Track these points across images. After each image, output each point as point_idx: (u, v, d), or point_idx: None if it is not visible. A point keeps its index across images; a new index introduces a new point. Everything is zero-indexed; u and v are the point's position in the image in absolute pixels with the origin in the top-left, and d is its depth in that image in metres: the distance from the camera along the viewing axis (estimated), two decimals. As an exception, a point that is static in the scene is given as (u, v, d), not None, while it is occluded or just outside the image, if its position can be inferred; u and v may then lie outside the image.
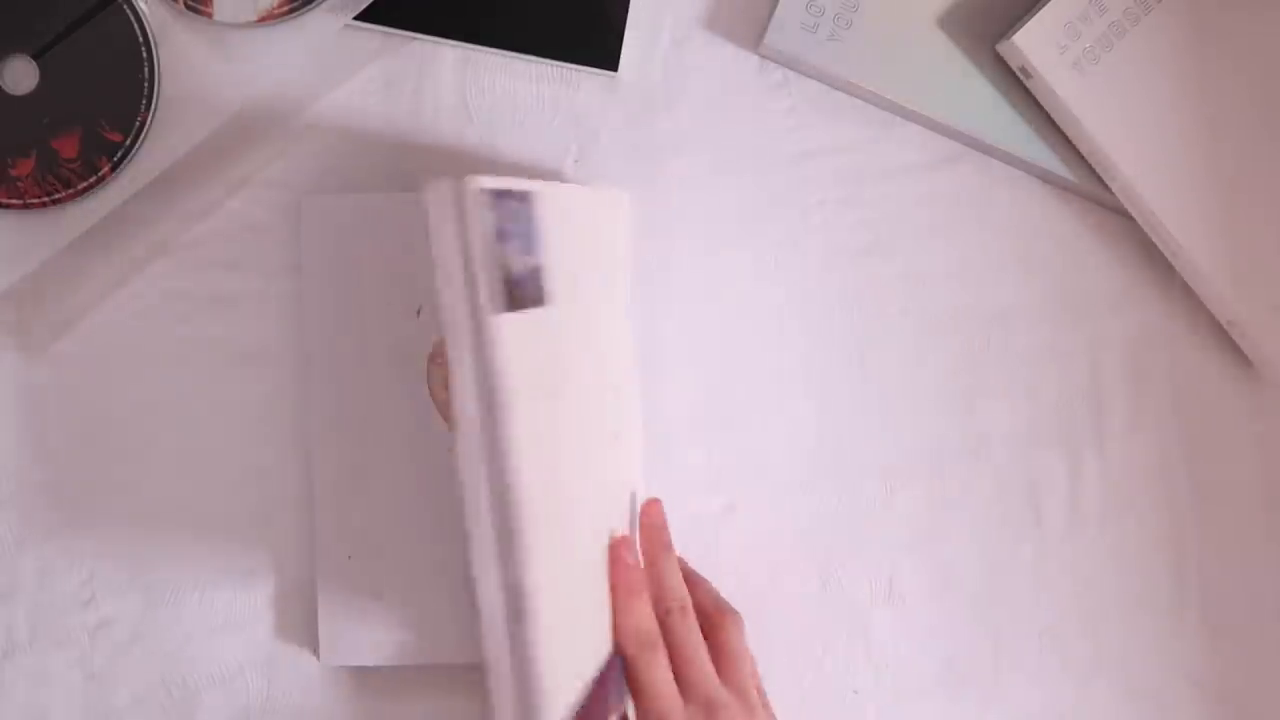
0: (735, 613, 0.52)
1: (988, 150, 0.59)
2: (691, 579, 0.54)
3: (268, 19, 0.55)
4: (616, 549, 0.50)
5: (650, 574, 0.51)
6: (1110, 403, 0.59)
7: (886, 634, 0.58)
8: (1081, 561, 0.59)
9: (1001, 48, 0.57)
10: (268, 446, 0.57)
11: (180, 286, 0.57)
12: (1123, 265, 0.59)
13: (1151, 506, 0.59)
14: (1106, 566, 0.59)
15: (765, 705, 0.51)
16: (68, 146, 0.55)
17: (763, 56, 0.58)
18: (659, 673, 0.48)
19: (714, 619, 0.52)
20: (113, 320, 0.57)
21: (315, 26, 0.55)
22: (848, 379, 0.59)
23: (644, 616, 0.49)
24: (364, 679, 0.57)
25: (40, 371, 0.57)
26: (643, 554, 0.52)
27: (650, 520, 0.53)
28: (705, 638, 0.50)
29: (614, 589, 0.49)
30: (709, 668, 0.49)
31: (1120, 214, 0.59)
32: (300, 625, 0.57)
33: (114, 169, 0.55)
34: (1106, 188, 0.57)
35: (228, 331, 0.57)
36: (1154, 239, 0.58)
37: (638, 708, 0.50)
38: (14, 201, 0.55)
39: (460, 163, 0.58)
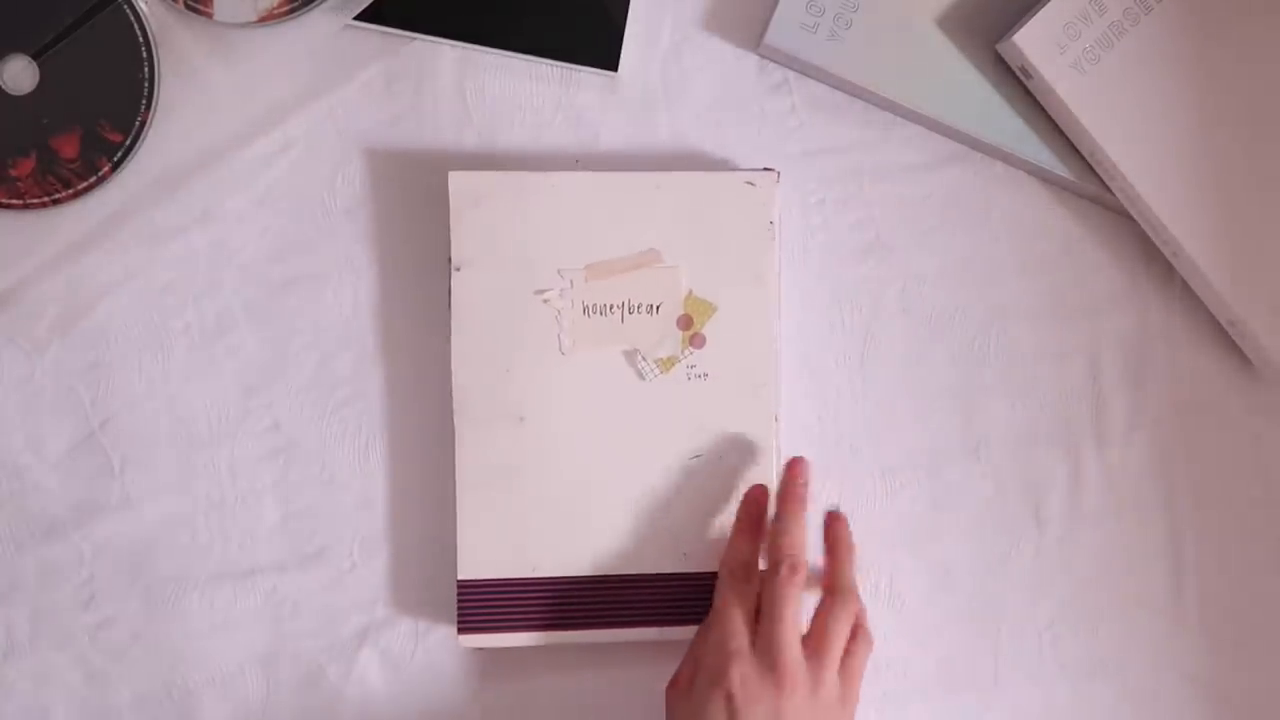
0: (853, 599, 0.52)
1: (988, 150, 0.59)
2: (834, 549, 0.54)
3: (268, 19, 0.55)
4: (751, 490, 0.54)
5: (775, 526, 0.53)
6: (1110, 403, 0.59)
7: (886, 634, 0.58)
8: (1081, 561, 0.59)
9: (1001, 48, 0.57)
10: (267, 444, 0.57)
11: (179, 286, 0.57)
12: (1123, 265, 0.59)
13: (1151, 506, 0.59)
14: (1106, 566, 0.59)
15: (844, 698, 0.51)
16: (68, 146, 0.55)
17: (763, 56, 0.58)
18: (735, 603, 0.50)
19: (828, 598, 0.52)
20: (113, 319, 0.57)
21: (315, 26, 0.55)
22: (848, 379, 0.59)
23: (746, 551, 0.52)
24: (364, 678, 0.57)
25: (40, 371, 0.57)
26: (777, 505, 0.54)
27: (790, 476, 0.55)
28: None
29: (736, 521, 0.54)
30: (792, 634, 0.49)
31: (1120, 214, 0.59)
32: (301, 625, 0.57)
33: (114, 169, 0.55)
34: (1106, 188, 0.57)
35: (227, 330, 0.57)
36: (1154, 239, 0.58)
37: (702, 629, 0.51)
38: (14, 201, 0.55)
39: (460, 162, 0.57)
